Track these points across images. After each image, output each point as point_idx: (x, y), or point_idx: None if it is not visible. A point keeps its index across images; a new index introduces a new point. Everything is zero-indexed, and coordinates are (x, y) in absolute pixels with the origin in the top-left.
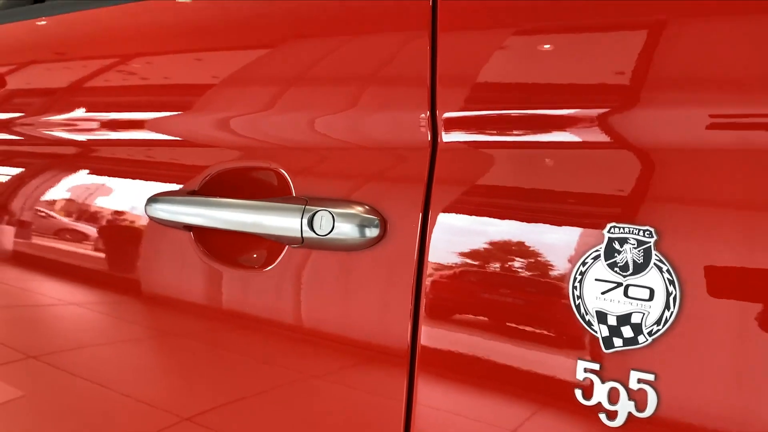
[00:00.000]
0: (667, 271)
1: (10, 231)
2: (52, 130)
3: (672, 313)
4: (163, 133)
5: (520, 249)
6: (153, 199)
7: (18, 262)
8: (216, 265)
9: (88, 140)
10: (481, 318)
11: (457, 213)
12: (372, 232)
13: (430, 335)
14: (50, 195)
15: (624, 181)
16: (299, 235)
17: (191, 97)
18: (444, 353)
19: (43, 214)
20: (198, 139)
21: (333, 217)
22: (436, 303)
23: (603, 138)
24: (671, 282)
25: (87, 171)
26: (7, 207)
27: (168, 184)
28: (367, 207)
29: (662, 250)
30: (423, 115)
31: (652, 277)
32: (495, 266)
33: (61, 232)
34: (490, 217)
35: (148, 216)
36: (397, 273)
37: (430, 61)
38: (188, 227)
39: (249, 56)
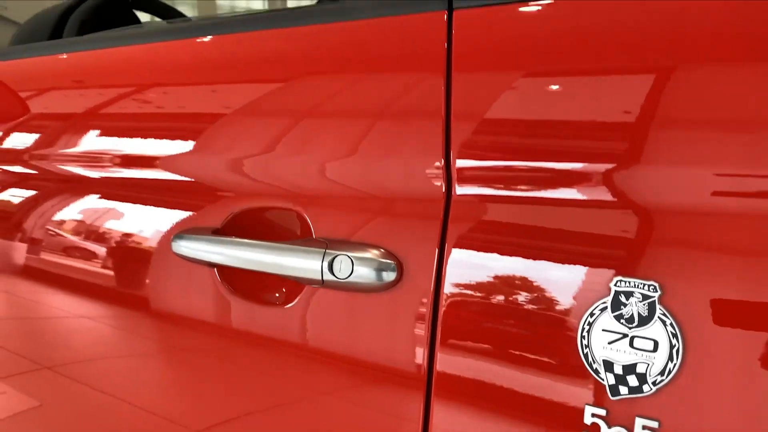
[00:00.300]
0: (671, 324)
1: (35, 250)
2: (65, 165)
3: (675, 364)
4: (175, 173)
5: (532, 305)
6: (178, 236)
7: (40, 280)
8: (237, 300)
9: (102, 177)
10: (495, 378)
11: (470, 263)
12: (389, 276)
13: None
14: (72, 218)
15: (630, 238)
16: (320, 278)
17: (202, 136)
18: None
19: (68, 238)
20: (209, 181)
21: (352, 261)
22: (449, 358)
23: (609, 197)
24: (674, 335)
25: (112, 199)
26: (27, 229)
27: (188, 213)
28: (383, 251)
29: (666, 304)
30: (438, 163)
31: (656, 330)
32: (507, 323)
33: (88, 256)
34: (502, 267)
35: (173, 252)
36: (411, 317)
37: (444, 112)
38: (212, 264)
39: (261, 98)
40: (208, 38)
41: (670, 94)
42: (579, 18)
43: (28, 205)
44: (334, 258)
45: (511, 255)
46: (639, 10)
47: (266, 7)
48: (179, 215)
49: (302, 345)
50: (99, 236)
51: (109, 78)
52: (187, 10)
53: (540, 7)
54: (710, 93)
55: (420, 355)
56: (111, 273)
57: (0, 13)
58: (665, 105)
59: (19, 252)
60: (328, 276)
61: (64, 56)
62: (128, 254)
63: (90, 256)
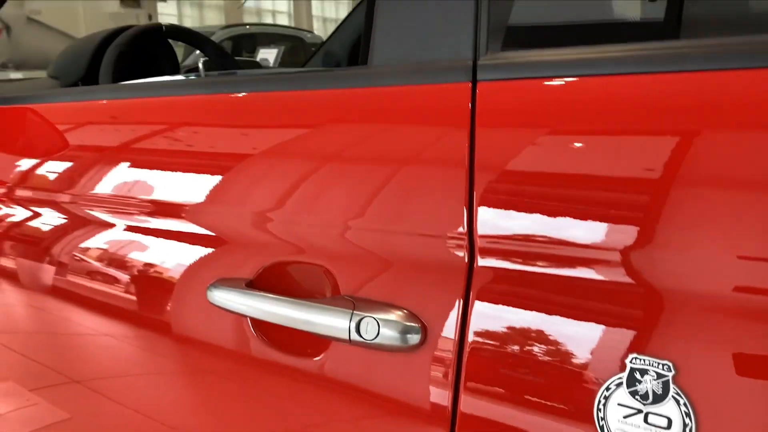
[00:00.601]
0: (684, 404)
1: (69, 275)
2: (92, 210)
3: None
4: (198, 225)
5: (551, 376)
6: (214, 286)
7: (76, 302)
8: (267, 348)
9: (128, 226)
10: None
11: (491, 332)
12: (413, 339)
13: None
14: (109, 250)
15: (647, 318)
16: (347, 337)
17: (228, 192)
18: None
19: (100, 267)
20: (231, 235)
21: (378, 323)
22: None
23: (626, 279)
24: (687, 414)
25: (144, 234)
26: (59, 256)
27: (222, 259)
28: (407, 312)
29: (680, 384)
30: (461, 229)
31: (670, 408)
32: (528, 389)
33: (124, 287)
34: (524, 339)
35: (209, 301)
36: (433, 378)
37: (467, 182)
38: (245, 315)
39: (287, 160)
40: (242, 94)
41: (687, 175)
42: (602, 91)
43: (59, 234)
44: (361, 319)
45: (533, 329)
46: (663, 83)
47: (291, 9)
48: (214, 260)
49: (328, 391)
50: (136, 271)
51: (143, 125)
52: (215, 13)
53: (563, 82)
54: (732, 175)
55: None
56: (148, 306)
57: (34, 17)
58: (683, 186)
59: (54, 275)
60: (355, 336)
61: (104, 102)
62: (165, 290)
63: (124, 287)
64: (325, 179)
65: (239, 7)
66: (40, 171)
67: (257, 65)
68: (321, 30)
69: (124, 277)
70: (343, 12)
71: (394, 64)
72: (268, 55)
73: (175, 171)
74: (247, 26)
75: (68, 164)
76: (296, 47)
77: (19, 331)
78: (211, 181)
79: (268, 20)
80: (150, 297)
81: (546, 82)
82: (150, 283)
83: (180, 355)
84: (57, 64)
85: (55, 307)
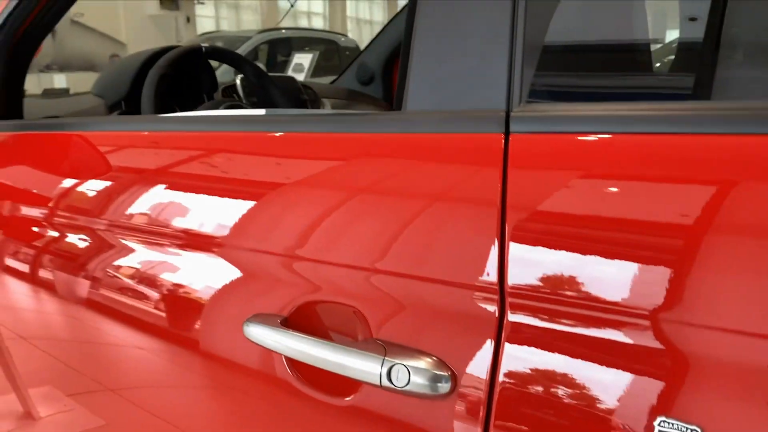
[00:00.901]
0: None
1: (102, 289)
2: (125, 238)
3: None
4: (229, 261)
5: (578, 426)
6: (251, 321)
7: (112, 316)
8: (298, 383)
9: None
10: None
11: (521, 386)
12: (443, 388)
13: None
14: (147, 270)
15: (675, 381)
16: (378, 382)
17: (258, 229)
18: None
19: (135, 285)
20: (264, 273)
21: (409, 371)
22: None
23: (656, 344)
24: None
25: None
26: (94, 272)
27: (256, 293)
28: (437, 360)
29: None
30: (492, 279)
31: None
32: None
33: (156, 307)
34: (552, 391)
35: (246, 336)
36: (462, 425)
37: (499, 233)
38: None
39: (316, 203)
40: (279, 134)
41: (717, 238)
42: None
43: (94, 255)
44: (392, 366)
45: (563, 386)
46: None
47: (327, 9)
48: (249, 294)
49: (358, 430)
50: (169, 293)
51: (180, 158)
52: (252, 15)
53: (596, 138)
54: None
55: None
56: (180, 327)
57: (77, 19)
58: (712, 249)
59: (89, 293)
60: (386, 383)
61: (145, 133)
62: (198, 313)
63: (155, 306)
64: (357, 223)
65: (280, 22)
66: (79, 197)
67: (292, 80)
68: (355, 31)
69: (156, 297)
70: (377, 13)
71: (428, 111)
72: (303, 60)
73: (211, 206)
74: (283, 30)
75: (106, 192)
76: (330, 50)
77: (58, 339)
78: (245, 219)
79: (304, 22)
80: (183, 319)
81: (579, 137)
82: (183, 306)
83: (212, 378)
84: (101, 83)
85: (90, 320)
